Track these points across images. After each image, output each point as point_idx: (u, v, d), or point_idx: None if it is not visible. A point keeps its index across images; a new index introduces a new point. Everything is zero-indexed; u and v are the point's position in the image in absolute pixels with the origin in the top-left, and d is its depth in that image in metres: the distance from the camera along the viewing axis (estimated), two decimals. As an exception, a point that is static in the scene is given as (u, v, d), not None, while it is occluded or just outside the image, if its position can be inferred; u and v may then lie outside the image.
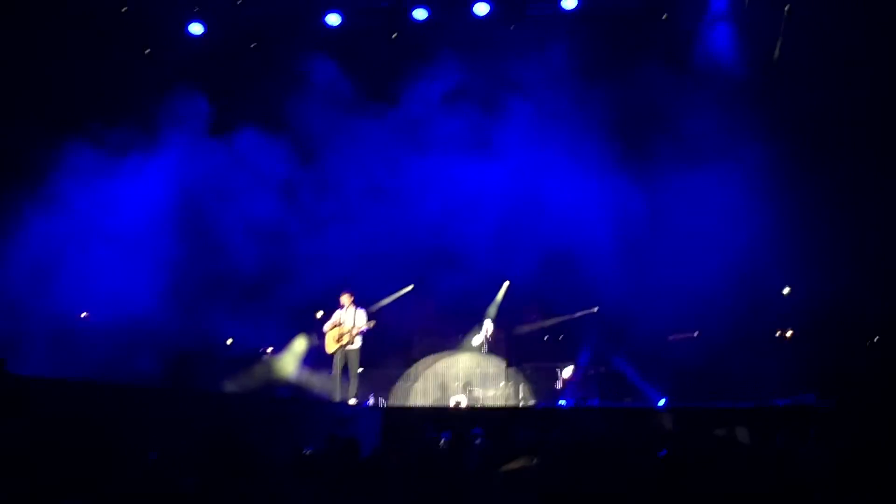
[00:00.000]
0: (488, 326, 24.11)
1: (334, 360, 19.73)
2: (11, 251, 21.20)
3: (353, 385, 19.63)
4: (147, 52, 24.25)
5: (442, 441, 12.14)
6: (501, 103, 23.41)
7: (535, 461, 9.63)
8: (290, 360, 24.52)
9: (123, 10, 23.49)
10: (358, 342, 19.73)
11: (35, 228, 21.46)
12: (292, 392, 23.33)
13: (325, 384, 21.51)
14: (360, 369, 20.57)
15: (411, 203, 23.52)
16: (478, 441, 12.69)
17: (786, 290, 23.04)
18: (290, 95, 23.32)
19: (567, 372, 23.08)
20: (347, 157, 23.86)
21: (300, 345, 24.49)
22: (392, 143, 23.76)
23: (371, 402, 21.62)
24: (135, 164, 22.87)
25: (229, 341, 24.84)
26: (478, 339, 24.04)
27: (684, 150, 21.86)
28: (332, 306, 20.54)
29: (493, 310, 25.02)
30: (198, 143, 23.29)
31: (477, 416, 17.99)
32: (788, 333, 23.35)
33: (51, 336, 20.40)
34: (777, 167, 21.39)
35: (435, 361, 24.98)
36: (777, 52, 22.63)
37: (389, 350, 24.47)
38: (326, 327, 20.02)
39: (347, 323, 19.68)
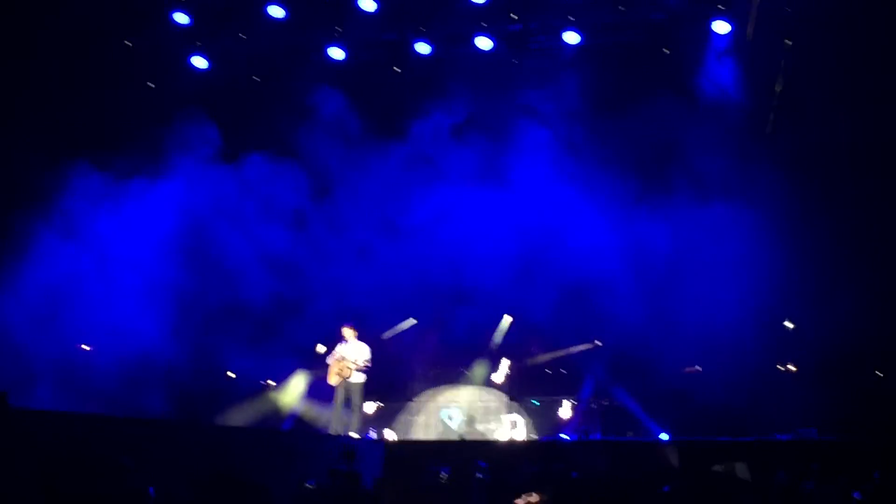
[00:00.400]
0: (505, 362, 24.26)
1: (336, 393, 19.70)
2: (19, 277, 21.26)
3: (356, 418, 19.60)
4: (151, 85, 24.37)
5: (442, 475, 12.15)
6: (511, 135, 23.52)
7: (542, 499, 9.64)
8: (291, 393, 24.50)
9: (128, 45, 23.68)
10: (360, 377, 19.69)
11: (43, 254, 21.54)
12: (294, 425, 23.31)
13: (326, 417, 21.47)
14: (378, 405, 20.59)
15: (421, 236, 23.61)
16: (479, 475, 12.69)
17: (788, 324, 23.00)
18: (298, 127, 23.50)
19: (565, 411, 23.07)
20: (357, 189, 23.99)
21: (301, 378, 24.48)
22: (402, 176, 23.85)
23: (373, 435, 21.56)
24: (142, 190, 22.99)
25: (231, 374, 24.86)
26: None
27: (697, 184, 22.00)
28: (338, 339, 20.52)
29: (496, 342, 25.03)
30: (205, 169, 23.39)
31: (479, 449, 17.93)
32: (792, 367, 23.31)
33: (57, 369, 20.46)
34: (788, 200, 21.44)
35: (437, 395, 24.94)
36: (779, 85, 22.69)
37: (393, 383, 24.43)
38: (329, 360, 20.01)
39: (350, 356, 19.66)
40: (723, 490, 11.11)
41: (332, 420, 19.70)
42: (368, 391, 20.48)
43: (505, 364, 24.30)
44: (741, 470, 13.15)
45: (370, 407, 22.43)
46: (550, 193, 23.49)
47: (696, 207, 21.91)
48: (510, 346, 24.99)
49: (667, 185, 22.43)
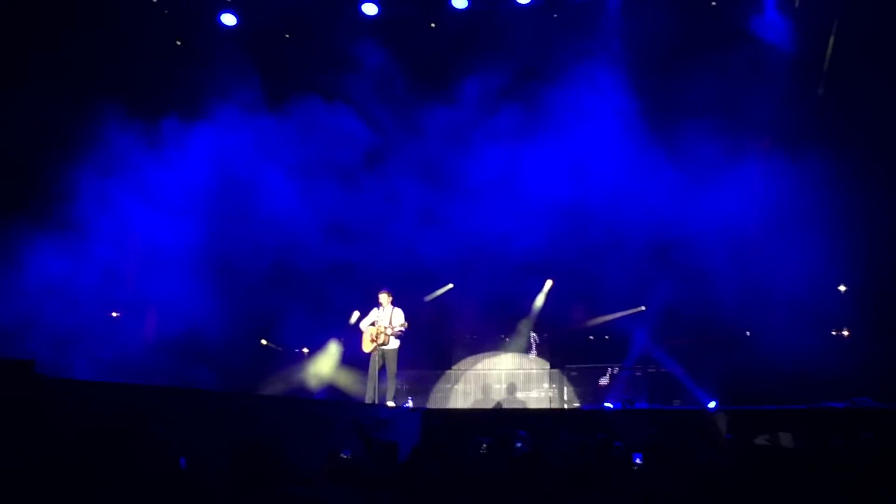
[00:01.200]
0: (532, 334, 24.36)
1: (371, 361, 19.70)
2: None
3: (391, 387, 19.61)
4: (179, 43, 24.40)
5: (483, 446, 12.12)
6: (559, 92, 23.30)
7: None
8: (326, 361, 24.61)
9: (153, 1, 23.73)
10: (395, 343, 19.68)
11: (86, 199, 21.75)
12: (329, 394, 23.43)
13: (361, 385, 21.57)
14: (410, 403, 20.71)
15: (468, 195, 23.66)
16: (519, 444, 12.65)
17: (842, 288, 22.82)
18: (336, 81, 23.51)
19: (604, 381, 23.08)
20: (408, 147, 23.98)
21: (336, 346, 24.59)
22: (449, 137, 23.80)
23: (409, 404, 21.62)
24: (178, 139, 23.02)
25: (264, 342, 25.02)
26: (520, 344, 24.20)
27: (758, 140, 21.96)
28: (373, 304, 20.54)
29: (536, 307, 25.09)
30: (247, 118, 23.53)
31: (519, 418, 17.97)
32: (845, 333, 23.16)
33: (93, 336, 20.63)
34: (840, 165, 21.24)
35: (476, 363, 25.00)
36: (829, 49, 22.52)
37: (430, 351, 24.51)
38: (363, 325, 20.00)
39: (384, 322, 19.64)
40: (769, 461, 10.97)
41: (368, 388, 19.74)
42: (403, 359, 20.51)
43: (532, 336, 24.41)
44: (786, 440, 13.04)
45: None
46: (605, 150, 23.37)
47: (758, 164, 21.83)
48: (548, 312, 25.05)
49: (731, 140, 22.32)
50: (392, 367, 19.62)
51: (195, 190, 23.00)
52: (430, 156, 24.00)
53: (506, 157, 23.55)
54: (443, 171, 24.03)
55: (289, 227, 23.10)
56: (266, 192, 23.32)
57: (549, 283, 25.40)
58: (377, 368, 19.49)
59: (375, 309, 19.87)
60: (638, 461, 10.98)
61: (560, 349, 24.85)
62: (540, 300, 25.41)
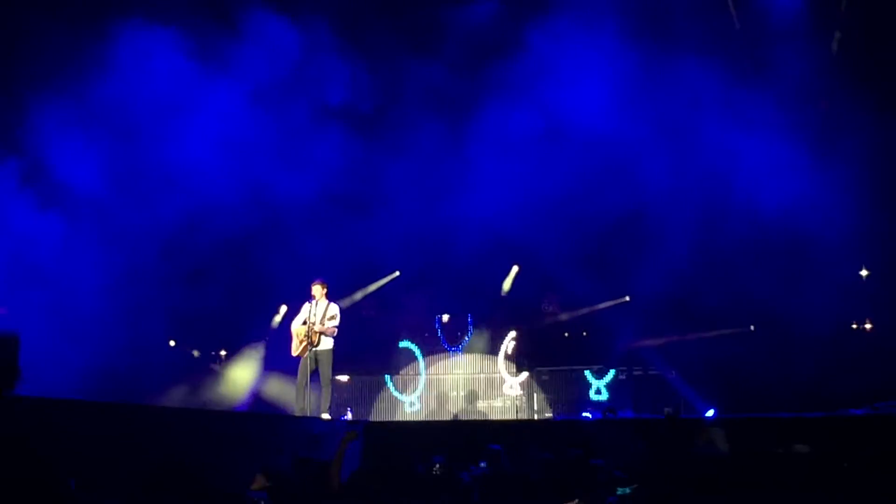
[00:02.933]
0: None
1: (301, 365, 19.75)
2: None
3: (326, 395, 19.71)
4: None
5: (436, 466, 12.30)
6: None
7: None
8: (245, 368, 24.79)
9: None
10: (328, 342, 19.76)
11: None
12: (251, 406, 23.58)
13: (289, 395, 21.68)
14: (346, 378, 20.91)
15: (421, 166, 24.12)
16: (483, 464, 12.84)
17: (864, 273, 23.30)
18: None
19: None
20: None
21: (256, 349, 24.82)
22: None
23: (348, 416, 21.79)
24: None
25: (172, 343, 25.24)
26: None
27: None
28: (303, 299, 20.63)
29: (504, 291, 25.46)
30: None
31: (481, 431, 18.13)
32: (867, 326, 23.62)
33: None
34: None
35: (428, 366, 25.20)
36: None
37: (371, 352, 24.70)
38: (294, 325, 20.04)
39: (316, 318, 19.70)
40: (781, 477, 11.35)
41: (297, 398, 19.81)
42: (339, 361, 20.65)
43: (510, 335, 24.71)
44: (800, 450, 13.38)
45: (342, 379, 22.62)
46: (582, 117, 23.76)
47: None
48: (514, 304, 25.37)
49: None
50: (326, 371, 19.65)
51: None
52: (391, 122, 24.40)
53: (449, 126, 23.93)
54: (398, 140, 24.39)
55: (201, 195, 23.38)
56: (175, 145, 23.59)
57: (514, 269, 25.70)
58: (308, 374, 19.50)
59: (307, 304, 19.93)
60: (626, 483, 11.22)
61: (529, 349, 25.05)
62: (506, 287, 25.72)
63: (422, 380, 24.96)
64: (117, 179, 23.10)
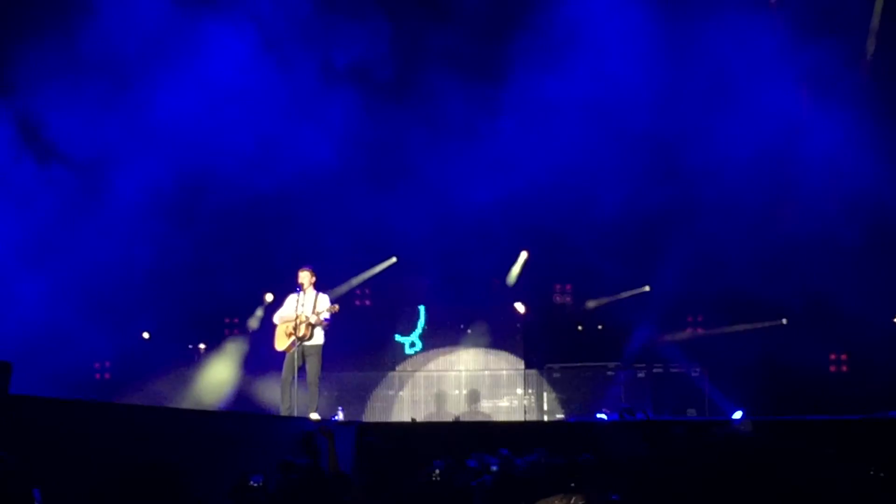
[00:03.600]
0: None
1: (286, 361, 19.73)
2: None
3: (314, 394, 19.71)
4: None
5: (436, 472, 12.28)
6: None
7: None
8: (226, 363, 24.81)
9: None
10: (319, 337, 19.74)
11: None
12: (234, 405, 23.58)
13: (274, 393, 21.66)
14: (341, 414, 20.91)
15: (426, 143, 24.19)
16: (495, 468, 12.83)
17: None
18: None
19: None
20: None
21: (237, 344, 24.85)
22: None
23: (339, 416, 21.80)
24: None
25: (146, 335, 25.23)
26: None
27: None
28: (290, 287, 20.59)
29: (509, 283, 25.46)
30: None
31: (484, 434, 18.13)
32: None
33: None
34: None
35: (427, 362, 25.20)
36: None
37: (365, 346, 24.72)
38: (277, 317, 20.00)
39: (306, 309, 19.68)
40: (813, 488, 11.29)
41: (282, 396, 19.82)
42: (331, 357, 20.67)
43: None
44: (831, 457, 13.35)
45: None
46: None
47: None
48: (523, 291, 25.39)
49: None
50: (315, 367, 19.61)
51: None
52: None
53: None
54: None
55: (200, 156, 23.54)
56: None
57: (523, 255, 25.68)
58: (295, 370, 19.45)
59: (293, 294, 19.89)
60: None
61: (539, 343, 25.06)
62: (513, 277, 25.72)
63: (420, 377, 24.99)
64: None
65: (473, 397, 23.99)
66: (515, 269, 25.62)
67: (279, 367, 19.65)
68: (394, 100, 24.47)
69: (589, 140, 23.27)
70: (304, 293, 19.51)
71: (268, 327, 20.54)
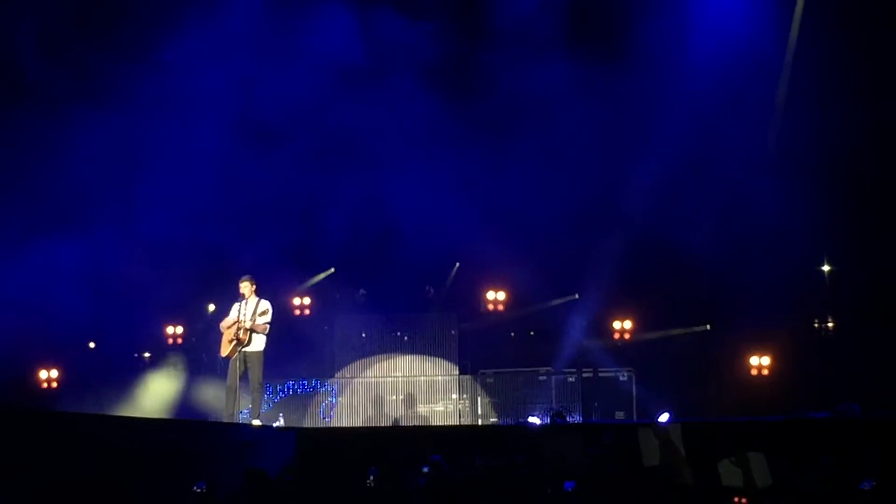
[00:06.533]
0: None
1: (230, 367, 19.61)
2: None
3: (257, 400, 19.61)
4: None
5: (370, 478, 12.25)
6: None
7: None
8: (171, 371, 24.68)
9: None
10: (259, 342, 19.63)
11: None
12: (177, 412, 23.44)
13: (218, 400, 21.53)
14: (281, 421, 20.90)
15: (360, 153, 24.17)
16: (423, 474, 12.79)
17: (826, 268, 23.56)
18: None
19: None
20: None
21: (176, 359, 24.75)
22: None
23: (280, 422, 21.69)
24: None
25: (91, 344, 25.03)
26: None
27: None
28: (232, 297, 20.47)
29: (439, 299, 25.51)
30: None
31: (420, 438, 18.08)
32: (830, 325, 23.81)
33: None
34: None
35: (365, 368, 25.13)
36: None
37: (305, 353, 24.63)
38: (223, 325, 19.89)
39: (246, 316, 19.59)
40: (736, 487, 11.36)
41: (226, 402, 19.70)
42: (273, 364, 20.57)
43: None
44: (757, 461, 13.40)
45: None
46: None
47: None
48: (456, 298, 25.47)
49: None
50: (257, 373, 19.49)
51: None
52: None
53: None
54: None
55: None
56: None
57: (456, 266, 25.70)
58: (237, 377, 19.35)
59: (237, 304, 19.80)
60: (569, 491, 11.21)
61: (472, 349, 25.06)
62: (447, 285, 25.73)
63: (358, 383, 24.95)
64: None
65: (410, 402, 23.93)
66: (449, 279, 25.69)
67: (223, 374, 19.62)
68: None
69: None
70: (246, 301, 19.43)
71: (210, 336, 20.45)
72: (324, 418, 24.53)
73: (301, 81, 23.72)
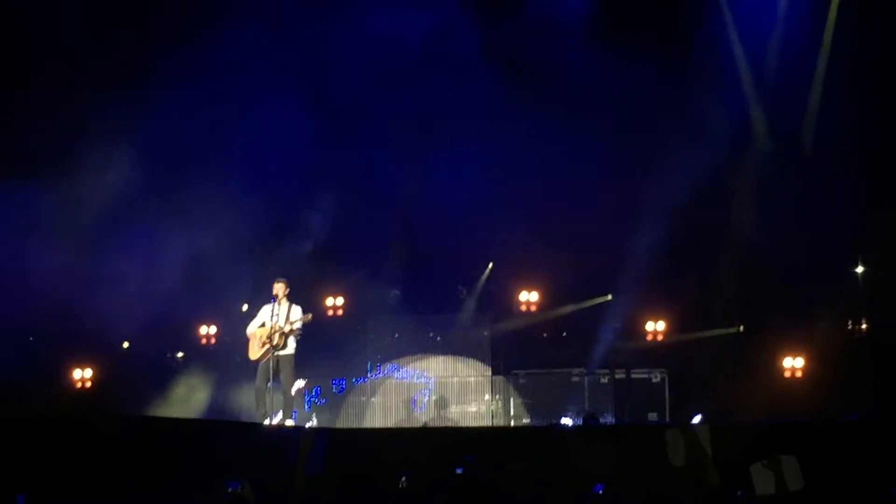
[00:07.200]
0: None
1: (259, 370, 19.64)
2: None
3: (289, 402, 19.67)
4: None
5: (402, 480, 12.27)
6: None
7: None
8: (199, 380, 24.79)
9: None
10: (292, 346, 19.69)
11: None
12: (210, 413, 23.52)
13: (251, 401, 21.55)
14: (301, 382, 20.89)
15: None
16: (456, 476, 12.80)
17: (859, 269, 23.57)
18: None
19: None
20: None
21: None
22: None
23: (313, 423, 21.75)
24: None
25: (125, 344, 25.16)
26: None
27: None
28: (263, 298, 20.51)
29: (472, 300, 25.48)
30: None
31: (452, 439, 18.07)
32: (864, 326, 23.75)
33: None
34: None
35: (399, 369, 25.15)
36: None
37: (338, 354, 24.67)
38: (251, 330, 19.88)
39: (280, 319, 19.61)
40: (767, 491, 11.34)
41: (257, 404, 19.74)
42: (304, 365, 20.70)
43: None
44: (790, 465, 13.36)
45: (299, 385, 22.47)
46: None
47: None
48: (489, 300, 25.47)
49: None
50: (289, 376, 19.60)
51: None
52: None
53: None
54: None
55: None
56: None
57: (490, 265, 25.72)
58: (268, 379, 19.39)
59: (267, 305, 19.82)
60: (599, 493, 11.21)
61: (505, 350, 25.04)
62: (480, 286, 25.73)
63: (391, 384, 24.95)
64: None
65: (443, 403, 23.95)
66: (482, 281, 25.69)
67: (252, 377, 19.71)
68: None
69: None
70: (279, 304, 19.47)
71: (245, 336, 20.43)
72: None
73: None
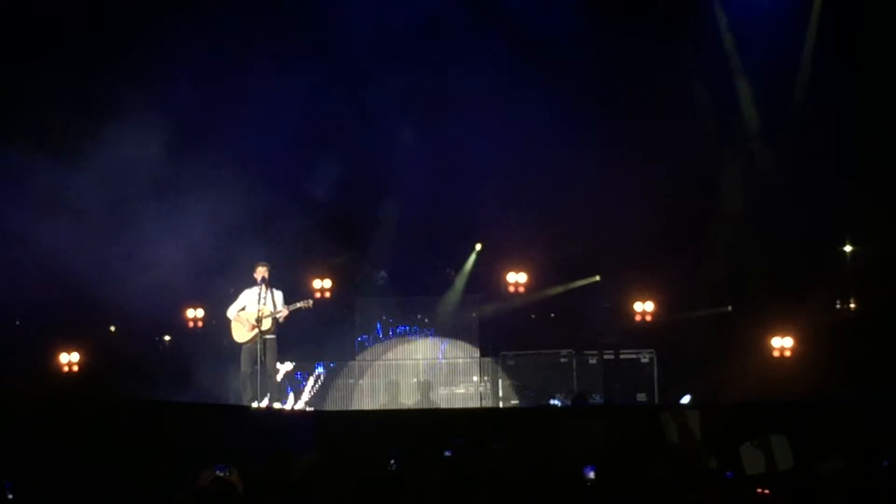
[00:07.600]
0: None
1: (245, 353, 19.61)
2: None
3: (275, 384, 19.69)
4: None
5: (391, 462, 12.23)
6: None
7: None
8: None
9: None
10: (275, 329, 19.66)
11: None
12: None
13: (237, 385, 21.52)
14: (290, 365, 20.89)
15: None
16: (445, 457, 12.78)
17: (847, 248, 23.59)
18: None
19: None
20: None
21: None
22: None
23: (301, 405, 21.74)
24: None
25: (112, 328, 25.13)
26: None
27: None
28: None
29: (460, 281, 25.41)
30: None
31: (441, 421, 18.08)
32: (852, 305, 23.80)
33: None
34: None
35: (386, 351, 25.13)
36: None
37: (325, 336, 24.66)
38: (231, 311, 19.83)
39: (268, 303, 19.58)
40: (757, 471, 11.31)
41: (245, 387, 19.74)
42: (290, 347, 20.74)
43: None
44: (780, 444, 13.36)
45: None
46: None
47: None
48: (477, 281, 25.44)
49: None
50: (275, 360, 19.68)
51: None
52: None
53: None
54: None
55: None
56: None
57: (478, 247, 25.70)
58: (255, 362, 19.35)
59: (249, 289, 19.79)
60: (591, 475, 11.18)
61: (493, 331, 25.03)
62: (468, 267, 25.71)
63: (379, 365, 24.89)
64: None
65: (431, 385, 23.93)
66: (470, 263, 25.64)
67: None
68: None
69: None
70: (264, 287, 19.47)
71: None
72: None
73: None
